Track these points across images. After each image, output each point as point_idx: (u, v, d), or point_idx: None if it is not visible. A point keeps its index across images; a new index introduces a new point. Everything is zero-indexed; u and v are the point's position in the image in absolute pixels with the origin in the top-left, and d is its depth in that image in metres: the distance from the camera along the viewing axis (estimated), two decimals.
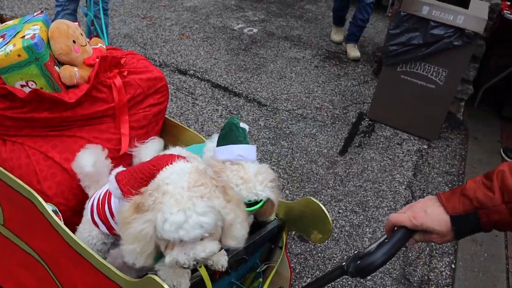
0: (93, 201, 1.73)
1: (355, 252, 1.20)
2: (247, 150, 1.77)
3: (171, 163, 1.42)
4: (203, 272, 1.49)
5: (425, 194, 3.60)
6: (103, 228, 1.66)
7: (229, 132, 1.78)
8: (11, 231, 1.80)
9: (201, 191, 1.30)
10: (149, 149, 2.02)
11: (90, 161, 1.80)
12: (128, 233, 1.31)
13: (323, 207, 1.75)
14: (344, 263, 1.20)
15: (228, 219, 1.36)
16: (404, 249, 3.09)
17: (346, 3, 5.50)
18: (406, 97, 4.18)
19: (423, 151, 4.11)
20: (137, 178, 1.48)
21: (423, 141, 4.23)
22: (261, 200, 1.66)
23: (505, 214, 1.14)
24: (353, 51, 5.40)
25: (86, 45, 1.94)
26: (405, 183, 3.70)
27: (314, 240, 1.83)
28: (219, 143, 1.78)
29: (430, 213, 1.22)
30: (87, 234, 1.66)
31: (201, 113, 4.05)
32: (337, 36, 5.80)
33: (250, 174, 1.64)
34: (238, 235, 1.40)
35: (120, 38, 5.01)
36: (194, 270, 1.53)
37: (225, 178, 1.61)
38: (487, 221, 1.17)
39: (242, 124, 1.83)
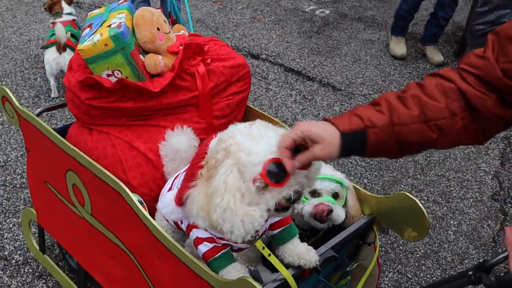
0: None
1: (481, 260, 1.08)
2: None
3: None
4: (284, 272, 1.42)
5: None
6: (171, 221, 1.64)
7: None
8: (99, 221, 1.81)
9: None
10: None
11: (184, 140, 1.77)
12: (212, 191, 1.21)
13: (420, 204, 1.64)
14: (470, 272, 1.09)
15: None
16: (493, 244, 2.90)
17: (419, 2, 4.54)
18: None
19: (511, 138, 3.84)
20: (194, 168, 1.37)
21: (510, 127, 3.94)
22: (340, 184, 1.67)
23: (390, 136, 1.18)
24: (436, 55, 4.66)
25: (169, 32, 1.90)
26: (492, 172, 3.46)
27: (407, 238, 1.71)
28: None
29: (319, 126, 1.21)
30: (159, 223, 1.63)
31: (274, 98, 3.97)
32: (400, 48, 4.67)
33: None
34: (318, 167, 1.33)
35: (193, 23, 5.01)
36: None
37: None
38: (373, 140, 1.18)
39: None
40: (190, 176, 1.40)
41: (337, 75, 4.38)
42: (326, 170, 1.72)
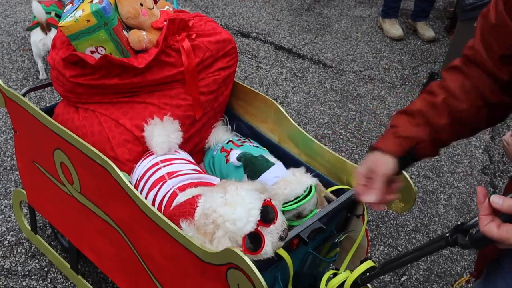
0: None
1: (458, 223, 1.10)
2: (278, 169, 1.83)
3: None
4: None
5: (504, 158, 3.37)
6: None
7: (251, 166, 1.85)
8: (88, 198, 1.81)
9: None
10: (218, 134, 2.08)
11: (160, 138, 1.81)
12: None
13: (406, 175, 1.65)
14: (446, 235, 1.11)
15: None
16: None
17: None
18: None
19: None
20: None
21: None
22: (310, 188, 1.70)
23: (432, 144, 1.31)
24: (427, 31, 4.64)
25: (153, 8, 1.88)
26: (482, 147, 3.48)
27: (395, 209, 1.73)
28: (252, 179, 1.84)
29: (381, 165, 1.31)
30: None
31: (265, 76, 3.96)
32: (396, 30, 4.63)
33: (288, 179, 1.72)
34: None
35: (181, 1, 4.95)
36: None
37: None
38: (421, 154, 1.32)
39: (251, 149, 1.93)
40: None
41: (328, 52, 4.36)
42: (300, 185, 1.71)
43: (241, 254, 1.23)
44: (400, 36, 4.59)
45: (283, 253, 1.45)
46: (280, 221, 1.36)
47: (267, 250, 1.33)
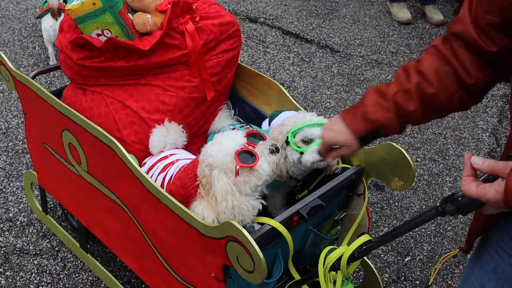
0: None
1: (448, 195, 1.13)
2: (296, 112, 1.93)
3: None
4: (275, 224, 1.48)
5: None
6: None
7: (277, 113, 1.96)
8: (95, 178, 1.86)
9: None
10: (222, 119, 2.13)
11: (161, 144, 1.89)
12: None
13: (405, 153, 1.67)
14: (437, 205, 1.14)
15: None
16: None
17: None
18: None
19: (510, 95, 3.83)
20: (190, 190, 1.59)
21: (509, 85, 3.93)
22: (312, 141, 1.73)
23: (399, 125, 1.42)
24: (436, 14, 4.57)
25: None
26: (489, 130, 3.48)
27: (394, 187, 1.75)
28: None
29: (340, 134, 1.52)
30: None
31: (272, 61, 3.98)
32: (404, 13, 4.58)
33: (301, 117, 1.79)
34: None
35: None
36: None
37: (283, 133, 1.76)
38: (385, 133, 1.45)
39: None
40: (187, 197, 1.58)
41: (335, 37, 4.36)
42: (312, 117, 1.76)
43: (239, 226, 1.28)
44: (408, 19, 4.57)
45: (282, 229, 1.49)
46: (269, 142, 1.50)
47: (264, 167, 1.44)
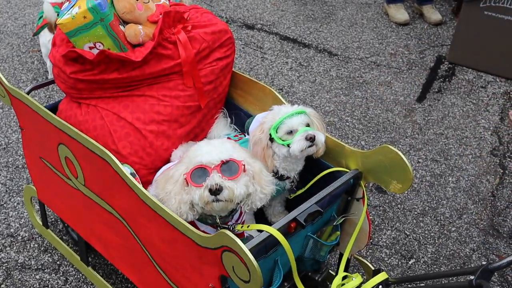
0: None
1: (483, 264, 1.06)
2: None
3: None
4: (272, 231, 1.46)
5: None
6: None
7: (251, 120, 1.94)
8: (92, 191, 1.86)
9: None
10: (219, 127, 2.13)
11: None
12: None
13: (402, 155, 1.65)
14: (472, 278, 1.07)
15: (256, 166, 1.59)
16: (491, 198, 2.91)
17: None
18: (490, 35, 3.85)
19: (511, 93, 3.81)
20: None
21: (510, 82, 3.91)
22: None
23: None
24: (434, 14, 4.56)
25: (148, 2, 1.91)
26: (491, 128, 3.45)
27: (393, 190, 1.74)
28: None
29: None
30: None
31: (270, 67, 3.97)
32: (401, 14, 4.56)
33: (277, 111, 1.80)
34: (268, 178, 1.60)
35: None
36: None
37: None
38: None
39: (246, 142, 2.00)
40: None
41: (333, 40, 4.35)
42: (287, 108, 1.79)
43: (233, 237, 1.26)
44: (406, 20, 4.56)
45: (279, 236, 1.48)
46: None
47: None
